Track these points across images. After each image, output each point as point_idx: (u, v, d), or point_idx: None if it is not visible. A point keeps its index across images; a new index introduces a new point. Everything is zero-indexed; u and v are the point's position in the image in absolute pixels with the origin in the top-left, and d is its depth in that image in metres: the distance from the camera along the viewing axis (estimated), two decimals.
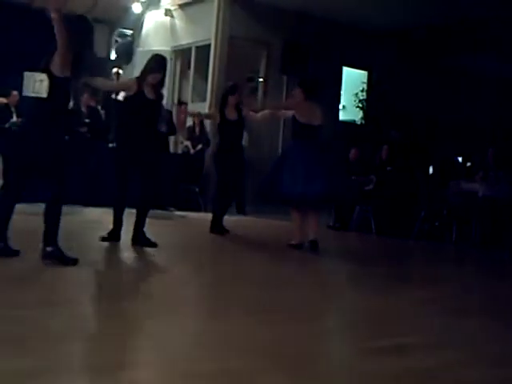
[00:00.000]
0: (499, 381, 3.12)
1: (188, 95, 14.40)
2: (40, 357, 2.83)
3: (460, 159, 12.87)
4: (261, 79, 13.94)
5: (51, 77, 4.97)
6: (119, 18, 14.81)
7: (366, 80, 15.13)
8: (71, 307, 3.87)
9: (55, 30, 4.96)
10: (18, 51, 13.04)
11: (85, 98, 11.12)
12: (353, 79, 14.93)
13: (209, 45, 13.27)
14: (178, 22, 14.28)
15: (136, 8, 14.54)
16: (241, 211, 11.59)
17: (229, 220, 8.55)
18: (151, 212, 10.44)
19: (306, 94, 7.60)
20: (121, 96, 7.20)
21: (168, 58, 14.08)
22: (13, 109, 10.94)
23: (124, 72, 13.71)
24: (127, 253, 6.21)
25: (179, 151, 13.26)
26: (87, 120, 11.13)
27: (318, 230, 7.47)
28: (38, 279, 4.68)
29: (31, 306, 3.74)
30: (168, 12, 14.34)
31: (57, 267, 5.14)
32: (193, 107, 13.67)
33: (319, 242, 7.25)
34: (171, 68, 14.40)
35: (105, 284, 4.83)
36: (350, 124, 14.80)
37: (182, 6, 14.14)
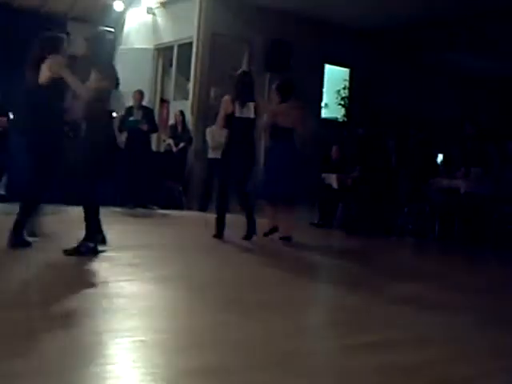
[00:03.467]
0: (484, 377, 3.14)
1: (170, 93, 14.38)
2: (28, 358, 2.82)
3: (441, 156, 12.93)
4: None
5: None
6: (101, 16, 14.74)
7: (347, 77, 15.17)
8: (59, 307, 3.86)
9: None
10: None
11: None
12: (335, 77, 14.95)
13: (191, 43, 13.25)
14: (159, 19, 14.25)
15: (117, 6, 14.48)
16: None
17: (212, 218, 8.52)
18: (133, 211, 10.51)
19: (282, 97, 8.15)
20: None
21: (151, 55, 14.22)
22: None
23: None
24: (120, 253, 6.17)
25: (162, 149, 13.24)
26: None
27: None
28: (25, 279, 4.66)
29: (20, 308, 3.73)
30: (150, 10, 14.30)
31: (44, 267, 5.13)
32: (175, 105, 13.68)
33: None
34: (153, 66, 14.39)
35: (91, 284, 4.81)
36: (332, 121, 14.83)
37: (163, 4, 14.11)
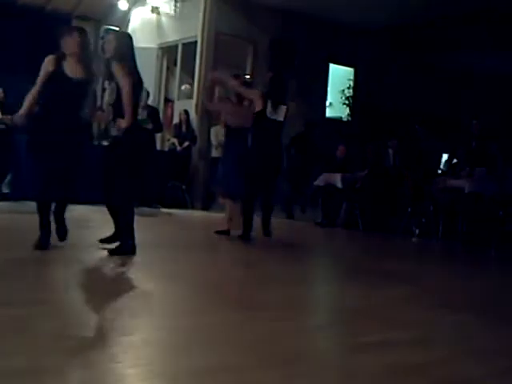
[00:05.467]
0: (487, 377, 3.14)
1: (174, 92, 14.39)
2: (30, 356, 2.82)
3: (446, 156, 12.94)
4: (247, 76, 13.94)
5: None
6: (105, 14, 14.77)
7: (352, 77, 15.17)
8: (61, 305, 3.86)
9: None
10: (4, 49, 12.97)
11: None
12: (339, 76, 14.96)
13: (195, 42, 13.26)
14: (164, 18, 14.26)
15: (122, 5, 14.51)
16: None
17: (215, 217, 8.53)
18: (137, 210, 10.48)
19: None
20: None
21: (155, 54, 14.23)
22: None
23: None
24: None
25: (166, 148, 13.25)
26: None
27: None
28: (26, 277, 4.66)
29: (19, 305, 3.73)
30: (154, 9, 14.32)
31: (44, 265, 5.14)
32: (179, 105, 13.69)
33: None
34: (158, 65, 14.40)
35: (94, 282, 4.82)
36: (336, 121, 14.83)
37: (168, 3, 14.12)
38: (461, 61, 15.73)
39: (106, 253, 5.77)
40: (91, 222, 8.33)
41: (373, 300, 4.81)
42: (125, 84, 5.69)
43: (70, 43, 5.75)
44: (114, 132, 5.87)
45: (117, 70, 5.71)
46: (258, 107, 7.59)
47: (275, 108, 7.58)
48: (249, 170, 7.67)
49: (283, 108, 7.61)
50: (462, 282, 6.19)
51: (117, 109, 5.79)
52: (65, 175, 5.81)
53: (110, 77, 5.87)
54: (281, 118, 7.63)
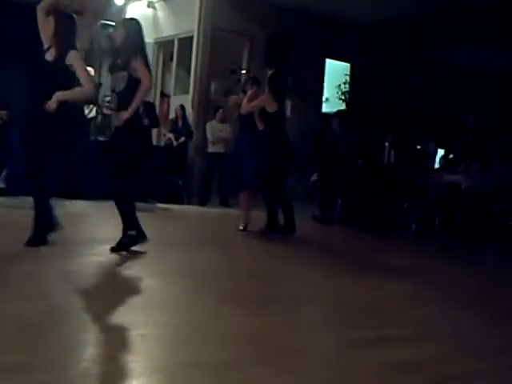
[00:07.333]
0: (485, 374, 3.15)
1: (171, 87, 14.37)
2: (26, 352, 2.82)
3: (442, 151, 12.97)
4: (243, 71, 13.92)
5: None
6: (101, 9, 14.72)
7: (348, 72, 15.17)
8: (60, 301, 3.86)
9: None
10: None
11: None
12: (336, 71, 14.96)
13: (191, 37, 13.24)
14: (160, 13, 14.24)
15: (118, 0, 14.48)
16: (224, 203, 11.58)
17: (212, 212, 8.52)
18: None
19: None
20: None
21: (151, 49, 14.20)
22: None
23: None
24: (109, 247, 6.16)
25: (162, 143, 13.23)
26: None
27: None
28: (21, 273, 4.66)
29: (16, 300, 3.72)
30: (150, 4, 14.30)
31: (40, 260, 5.13)
32: (175, 100, 13.67)
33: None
34: (154, 60, 14.36)
35: (93, 279, 4.81)
36: (332, 116, 14.81)
37: None
38: (459, 57, 15.72)
39: (104, 248, 5.77)
40: (90, 218, 8.32)
41: (371, 296, 4.81)
42: (146, 78, 5.68)
43: None
44: (115, 122, 5.83)
45: (137, 62, 5.65)
46: (274, 108, 7.65)
47: (282, 104, 7.73)
48: (270, 167, 7.72)
49: (288, 104, 7.71)
50: (460, 279, 6.19)
51: (122, 99, 5.73)
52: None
53: (117, 67, 5.81)
54: (288, 113, 7.73)
